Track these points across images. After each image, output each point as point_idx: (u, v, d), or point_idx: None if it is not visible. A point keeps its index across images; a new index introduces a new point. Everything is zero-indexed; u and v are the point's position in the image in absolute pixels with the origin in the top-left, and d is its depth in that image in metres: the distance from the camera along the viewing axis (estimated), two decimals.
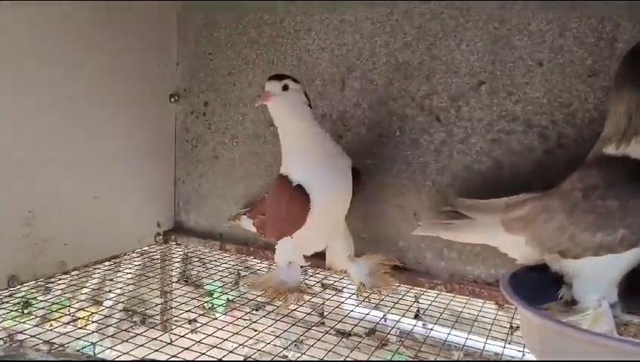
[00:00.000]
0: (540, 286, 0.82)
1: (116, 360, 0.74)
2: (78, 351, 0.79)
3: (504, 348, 0.87)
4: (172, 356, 0.78)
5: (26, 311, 0.98)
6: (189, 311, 0.98)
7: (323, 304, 1.05)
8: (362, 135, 1.17)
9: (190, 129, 1.41)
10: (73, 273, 1.13)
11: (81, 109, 1.14)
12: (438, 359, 0.84)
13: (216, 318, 0.96)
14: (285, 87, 0.94)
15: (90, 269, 1.18)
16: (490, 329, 0.93)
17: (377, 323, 0.99)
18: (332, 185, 0.97)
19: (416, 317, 1.06)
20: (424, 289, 1.10)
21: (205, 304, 1.11)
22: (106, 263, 1.22)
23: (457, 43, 1.06)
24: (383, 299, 1.04)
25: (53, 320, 0.95)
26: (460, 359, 0.90)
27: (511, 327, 0.95)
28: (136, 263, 1.25)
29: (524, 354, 0.84)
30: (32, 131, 1.04)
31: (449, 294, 1.08)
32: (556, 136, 0.99)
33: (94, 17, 1.15)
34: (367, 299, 1.04)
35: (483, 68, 1.04)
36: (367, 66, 1.16)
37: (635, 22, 0.92)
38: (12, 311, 0.95)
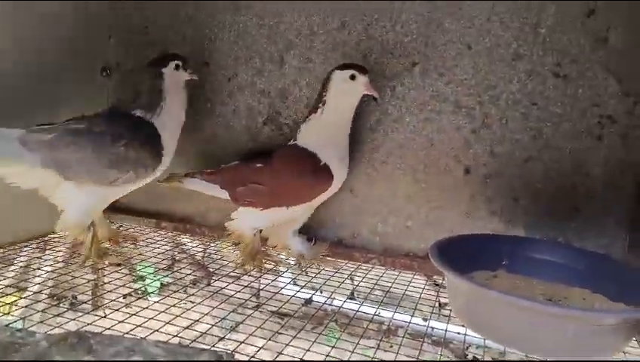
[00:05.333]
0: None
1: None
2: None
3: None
4: (106, 328, 0.77)
5: None
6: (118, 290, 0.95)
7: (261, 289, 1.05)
8: (300, 113, 1.18)
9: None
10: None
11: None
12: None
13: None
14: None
15: (17, 248, 1.13)
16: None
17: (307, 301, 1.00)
18: (342, 173, 1.07)
19: (352, 297, 1.08)
20: (359, 263, 1.14)
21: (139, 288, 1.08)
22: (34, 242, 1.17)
23: (392, 24, 1.10)
24: (319, 273, 1.06)
25: None
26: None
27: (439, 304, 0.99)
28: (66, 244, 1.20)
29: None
30: None
31: (382, 268, 1.12)
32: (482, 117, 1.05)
33: None
34: (304, 273, 1.06)
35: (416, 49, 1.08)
36: (305, 45, 1.17)
37: (559, 6, 0.98)
38: None
